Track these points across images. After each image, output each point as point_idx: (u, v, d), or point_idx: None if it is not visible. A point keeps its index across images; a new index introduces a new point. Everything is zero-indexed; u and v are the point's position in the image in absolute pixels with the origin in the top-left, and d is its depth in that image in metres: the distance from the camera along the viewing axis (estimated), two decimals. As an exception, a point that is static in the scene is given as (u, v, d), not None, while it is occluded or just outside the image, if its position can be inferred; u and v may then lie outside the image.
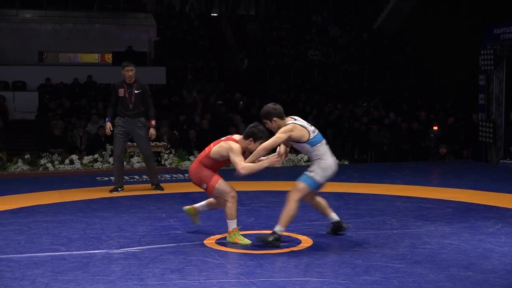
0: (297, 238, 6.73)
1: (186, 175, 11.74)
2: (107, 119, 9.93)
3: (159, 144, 13.56)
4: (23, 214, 8.09)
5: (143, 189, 10.09)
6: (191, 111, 16.80)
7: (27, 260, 5.91)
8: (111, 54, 22.19)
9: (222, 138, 6.62)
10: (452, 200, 8.98)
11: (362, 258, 5.94)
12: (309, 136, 6.36)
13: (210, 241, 6.59)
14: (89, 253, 6.15)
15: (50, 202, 8.89)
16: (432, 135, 15.65)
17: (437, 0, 22.56)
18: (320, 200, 6.72)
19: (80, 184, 10.76)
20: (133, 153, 13.18)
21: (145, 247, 6.36)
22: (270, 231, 6.48)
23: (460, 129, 16.16)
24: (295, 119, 6.51)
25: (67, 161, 12.82)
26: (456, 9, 21.83)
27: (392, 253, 6.13)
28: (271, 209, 8.28)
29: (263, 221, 7.50)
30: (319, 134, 6.50)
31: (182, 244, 6.49)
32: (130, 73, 9.51)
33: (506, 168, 12.88)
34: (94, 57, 23.80)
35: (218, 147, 6.50)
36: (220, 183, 6.47)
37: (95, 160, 13.04)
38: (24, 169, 12.49)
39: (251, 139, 6.38)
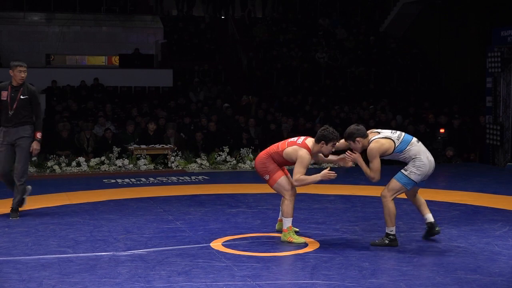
0: (304, 241, 6.71)
1: (193, 177, 11.83)
2: None
3: (166, 146, 13.59)
4: (30, 216, 8.11)
5: (149, 192, 10.10)
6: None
7: (34, 262, 5.92)
8: (118, 57, 22.24)
9: (297, 141, 6.66)
10: (459, 203, 8.96)
11: (369, 261, 5.93)
12: (395, 145, 6.39)
13: (216, 244, 6.59)
14: (96, 255, 6.16)
15: (57, 205, 8.91)
16: (439, 138, 15.60)
17: (444, 3, 22.50)
18: (420, 197, 6.78)
19: (87, 186, 10.79)
20: (139, 155, 13.20)
21: (151, 249, 6.37)
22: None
23: (467, 132, 16.10)
24: (379, 132, 6.53)
25: (74, 163, 12.86)
26: (463, 12, 21.77)
27: (399, 256, 6.12)
28: (278, 212, 8.26)
29: (270, 223, 7.49)
30: (406, 136, 6.51)
31: (188, 246, 6.49)
32: (22, 75, 8.07)
33: (513, 171, 12.86)
34: (101, 60, 23.85)
35: (292, 150, 6.58)
36: (282, 179, 6.61)
37: (102, 163, 13.07)
38: (31, 171, 12.50)
39: (322, 142, 6.50)
